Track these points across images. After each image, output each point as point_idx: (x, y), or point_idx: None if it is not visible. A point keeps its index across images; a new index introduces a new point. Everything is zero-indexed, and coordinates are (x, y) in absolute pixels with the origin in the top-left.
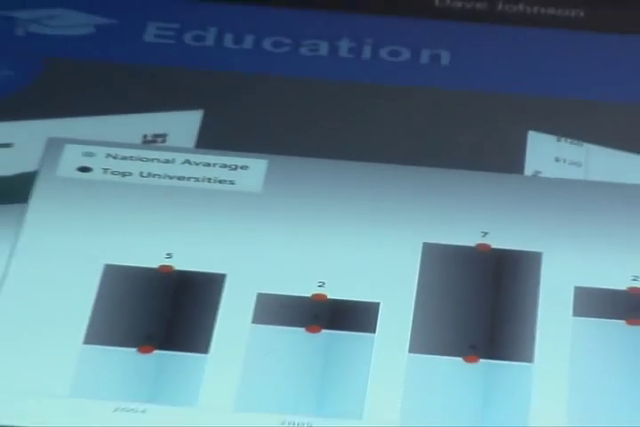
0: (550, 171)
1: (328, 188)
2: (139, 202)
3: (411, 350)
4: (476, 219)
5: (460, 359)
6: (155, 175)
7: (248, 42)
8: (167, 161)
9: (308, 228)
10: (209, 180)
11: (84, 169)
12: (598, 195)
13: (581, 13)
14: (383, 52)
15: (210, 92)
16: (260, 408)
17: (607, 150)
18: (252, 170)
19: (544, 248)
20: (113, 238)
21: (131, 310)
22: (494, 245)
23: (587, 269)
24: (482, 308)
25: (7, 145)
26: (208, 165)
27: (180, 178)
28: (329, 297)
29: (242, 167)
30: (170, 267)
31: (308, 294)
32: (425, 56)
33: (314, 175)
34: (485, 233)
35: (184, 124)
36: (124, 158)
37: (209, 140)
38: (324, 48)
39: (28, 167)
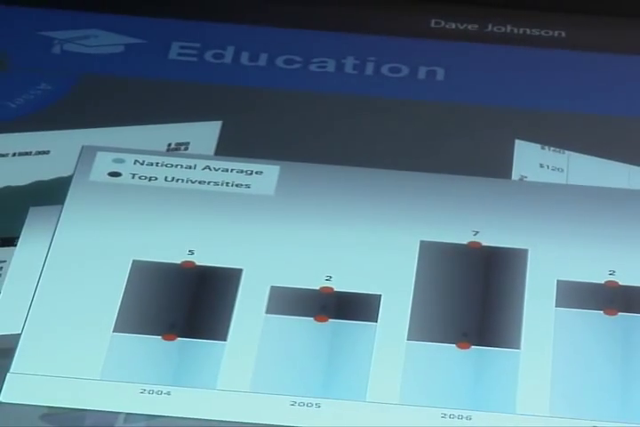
0: (535, 176)
1: (334, 191)
2: (164, 204)
3: (409, 338)
4: (468, 219)
5: (453, 346)
6: (178, 180)
7: (262, 59)
8: (189, 167)
9: (317, 227)
10: (227, 184)
11: (115, 174)
12: (578, 197)
13: (563, 34)
14: (384, 69)
15: (228, 105)
16: (273, 390)
17: (586, 157)
18: (266, 175)
19: (530, 245)
20: (140, 237)
21: (156, 301)
22: (484, 243)
23: (568, 264)
24: (473, 299)
25: (45, 152)
26: (226, 170)
27: (200, 182)
28: (335, 290)
29: (256, 172)
30: (192, 262)
31: (317, 287)
32: (422, 72)
33: (321, 180)
34: (476, 232)
35: (204, 133)
36: (151, 164)
37: (227, 148)
38: (331, 65)
39: (64, 172)
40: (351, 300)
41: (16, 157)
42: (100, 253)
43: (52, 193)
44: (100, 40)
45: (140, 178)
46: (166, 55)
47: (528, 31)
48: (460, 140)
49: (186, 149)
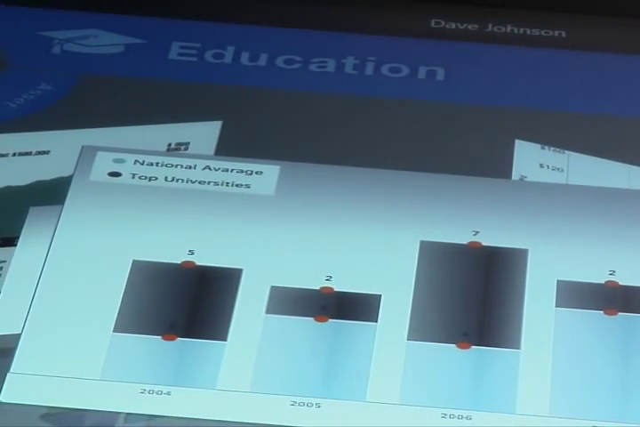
0: (535, 176)
1: (334, 191)
2: (164, 204)
3: (409, 338)
4: (468, 219)
5: (453, 346)
6: (178, 180)
7: (262, 59)
8: (189, 167)
9: (317, 227)
10: (227, 184)
11: (115, 174)
12: (578, 197)
13: (563, 34)
14: (384, 69)
15: (228, 105)
16: (273, 390)
17: (586, 157)
18: (266, 175)
19: (530, 245)
20: (140, 237)
21: (156, 301)
22: (484, 243)
23: (568, 264)
24: (473, 299)
25: (45, 152)
26: (226, 170)
27: (200, 182)
28: (335, 290)
29: (257, 172)
30: (192, 262)
31: (317, 287)
32: (422, 72)
33: (321, 180)
34: (476, 232)
35: (205, 133)
36: (151, 164)
37: (227, 148)
38: (331, 65)
39: (64, 172)
40: (351, 300)
41: (16, 157)
42: (100, 253)
43: (52, 193)
44: (100, 40)
45: (140, 178)
46: (166, 55)
47: (528, 31)
48: (460, 140)
49: (186, 149)
